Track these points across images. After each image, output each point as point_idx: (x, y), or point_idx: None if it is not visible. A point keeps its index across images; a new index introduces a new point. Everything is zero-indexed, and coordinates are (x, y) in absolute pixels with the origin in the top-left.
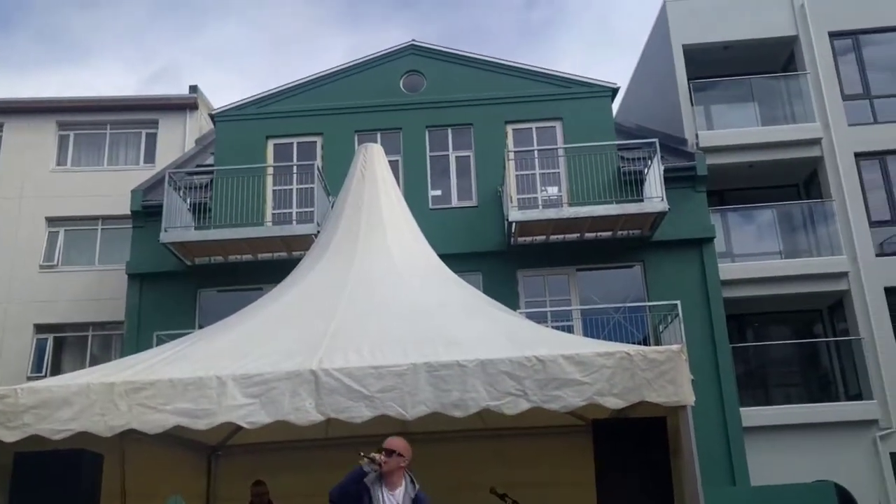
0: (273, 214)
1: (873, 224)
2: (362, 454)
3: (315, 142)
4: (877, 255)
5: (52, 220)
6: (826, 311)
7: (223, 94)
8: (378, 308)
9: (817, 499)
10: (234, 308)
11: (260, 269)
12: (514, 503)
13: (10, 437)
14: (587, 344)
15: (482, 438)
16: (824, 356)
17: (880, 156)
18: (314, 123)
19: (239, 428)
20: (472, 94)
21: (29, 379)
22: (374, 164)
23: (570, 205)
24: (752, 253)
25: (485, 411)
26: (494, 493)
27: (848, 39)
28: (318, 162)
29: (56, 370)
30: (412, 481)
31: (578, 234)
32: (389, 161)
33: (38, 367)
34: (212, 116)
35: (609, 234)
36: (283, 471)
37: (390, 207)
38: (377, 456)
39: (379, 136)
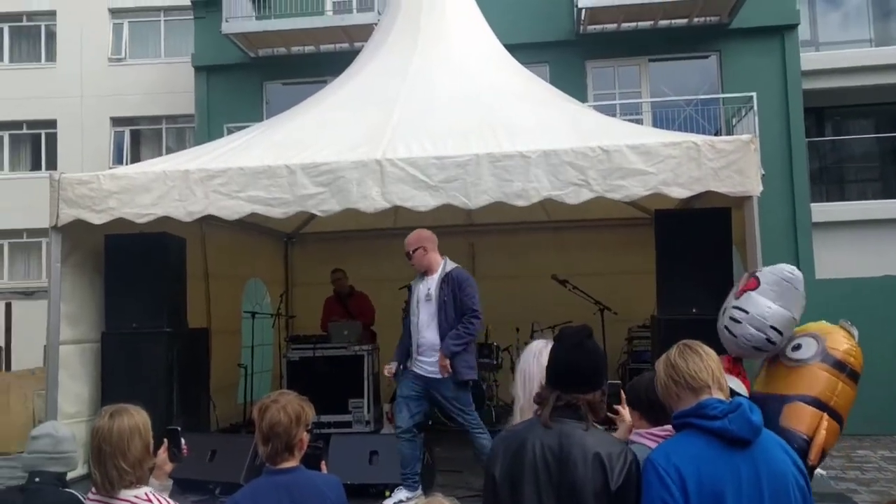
0: (333, 3)
1: None
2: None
3: None
4: None
5: (114, 12)
6: None
7: None
8: (440, 99)
9: (882, 293)
10: (299, 100)
11: (322, 61)
12: (575, 288)
13: (98, 219)
14: (653, 134)
15: (545, 230)
16: None
17: None
18: None
19: (312, 216)
20: None
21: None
22: None
23: None
24: (839, 41)
25: (548, 203)
26: (556, 279)
27: None
28: None
29: (135, 162)
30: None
31: (652, 22)
32: None
33: (118, 159)
34: None
35: (685, 21)
36: (353, 257)
37: None
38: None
39: None
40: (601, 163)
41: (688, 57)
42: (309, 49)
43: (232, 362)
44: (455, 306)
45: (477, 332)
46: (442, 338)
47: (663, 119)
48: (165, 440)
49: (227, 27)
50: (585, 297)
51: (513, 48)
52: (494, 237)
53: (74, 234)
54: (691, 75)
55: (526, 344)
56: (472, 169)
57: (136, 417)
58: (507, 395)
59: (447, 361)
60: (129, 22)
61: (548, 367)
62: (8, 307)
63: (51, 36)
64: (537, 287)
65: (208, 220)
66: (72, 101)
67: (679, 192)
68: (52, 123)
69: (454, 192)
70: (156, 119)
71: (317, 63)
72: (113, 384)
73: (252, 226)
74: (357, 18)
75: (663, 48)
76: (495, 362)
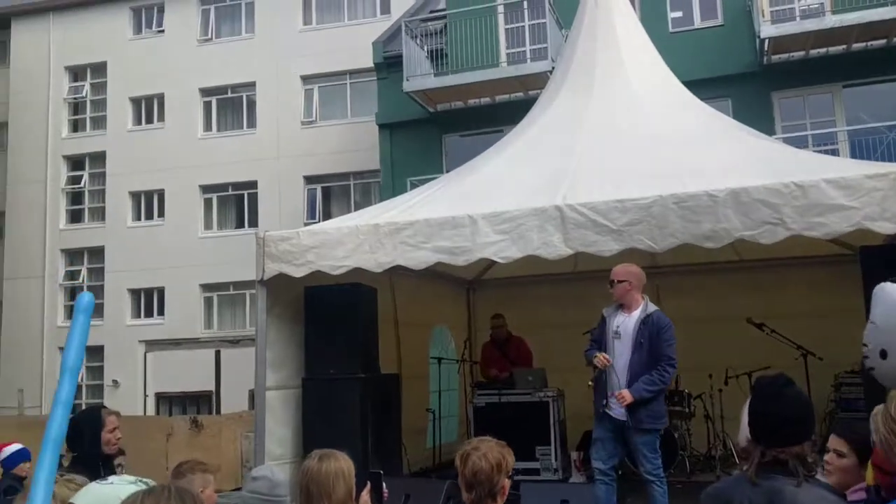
0: (507, 54)
1: None
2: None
3: None
4: None
5: (306, 79)
6: None
7: None
8: (619, 141)
9: None
10: (478, 151)
11: (498, 111)
12: (773, 332)
13: (298, 272)
14: (853, 166)
15: (736, 270)
16: None
17: None
18: None
19: (492, 264)
20: None
21: (305, 225)
22: None
23: (834, 12)
24: None
25: (738, 242)
26: (751, 322)
27: None
28: None
29: (326, 217)
30: (648, 303)
31: (845, 46)
32: None
33: (311, 214)
34: None
35: (882, 41)
36: (534, 302)
37: (627, 35)
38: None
39: None
40: (796, 199)
41: (888, 80)
42: (485, 101)
43: (421, 407)
44: (650, 350)
45: (670, 380)
46: (632, 378)
47: (863, 148)
48: (369, 482)
49: (408, 85)
50: (785, 341)
51: (691, 84)
52: (681, 279)
53: (277, 286)
54: (893, 99)
55: (720, 391)
56: (656, 211)
57: (342, 463)
58: (702, 445)
59: (630, 399)
60: (318, 87)
61: (749, 421)
62: (217, 355)
63: (251, 105)
64: (730, 331)
65: (396, 270)
66: (270, 163)
67: (888, 228)
68: (253, 184)
69: (639, 235)
70: (344, 176)
71: (493, 114)
72: (313, 427)
73: (437, 274)
74: (531, 67)
75: (859, 72)
76: (687, 410)
